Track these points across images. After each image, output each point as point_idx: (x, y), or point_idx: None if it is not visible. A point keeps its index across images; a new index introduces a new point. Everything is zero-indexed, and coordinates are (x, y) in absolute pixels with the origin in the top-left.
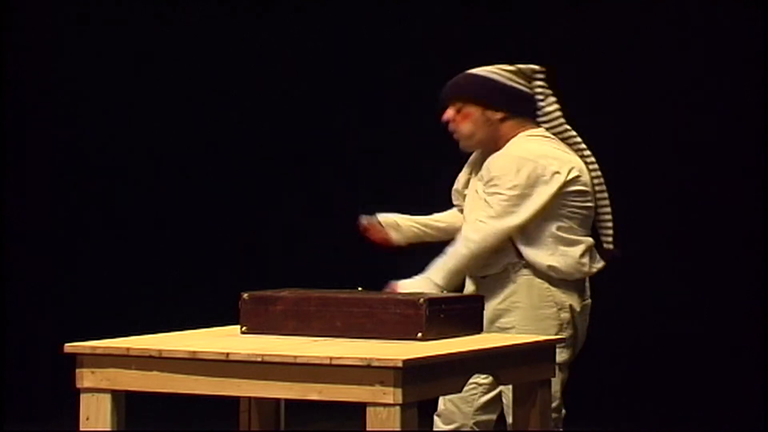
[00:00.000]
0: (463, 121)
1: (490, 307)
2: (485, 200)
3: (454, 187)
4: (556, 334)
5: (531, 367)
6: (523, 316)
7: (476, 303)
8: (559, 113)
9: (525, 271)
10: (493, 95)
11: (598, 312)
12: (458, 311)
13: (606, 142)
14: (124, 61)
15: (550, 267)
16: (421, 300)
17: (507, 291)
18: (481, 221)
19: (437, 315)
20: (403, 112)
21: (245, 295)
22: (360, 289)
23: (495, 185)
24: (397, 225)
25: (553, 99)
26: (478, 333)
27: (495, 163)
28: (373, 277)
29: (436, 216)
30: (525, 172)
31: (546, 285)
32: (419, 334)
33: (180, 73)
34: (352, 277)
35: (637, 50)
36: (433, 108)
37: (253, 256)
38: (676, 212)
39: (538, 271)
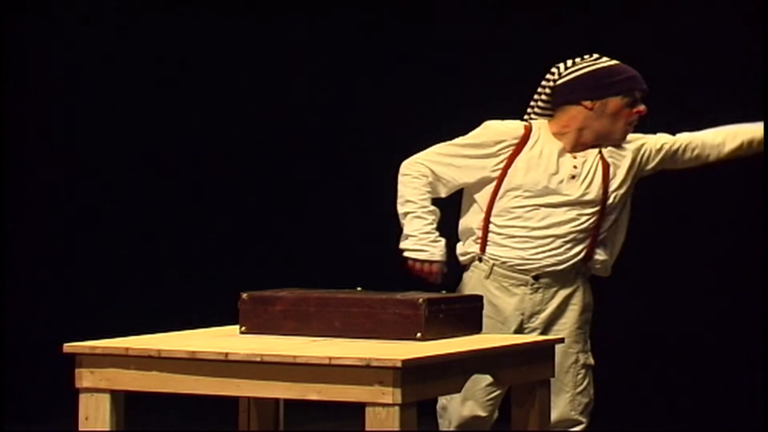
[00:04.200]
0: None
1: (548, 309)
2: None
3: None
4: (587, 339)
5: (530, 368)
6: (576, 319)
7: (475, 303)
8: None
9: (582, 273)
10: None
11: (598, 312)
12: (457, 311)
13: None
14: (123, 59)
15: (609, 267)
16: (420, 300)
17: (566, 292)
18: None
19: (436, 315)
20: (407, 111)
21: (244, 295)
22: (359, 289)
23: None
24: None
25: None
26: (478, 333)
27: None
28: (373, 277)
29: (435, 210)
30: None
31: (589, 288)
32: (418, 334)
33: (178, 71)
34: (352, 277)
35: (634, 50)
36: (435, 109)
37: (252, 256)
38: (675, 212)
39: (587, 273)
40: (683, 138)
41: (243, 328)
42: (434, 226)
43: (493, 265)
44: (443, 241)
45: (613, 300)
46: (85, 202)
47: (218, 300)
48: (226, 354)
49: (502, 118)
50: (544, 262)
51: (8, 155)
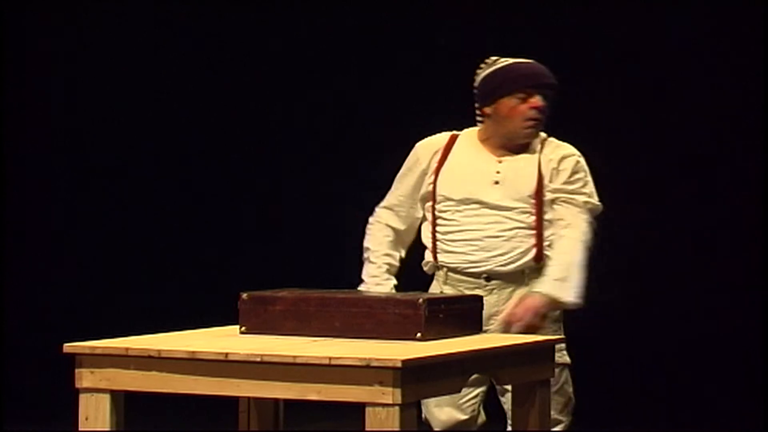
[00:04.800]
0: (544, 112)
1: (506, 310)
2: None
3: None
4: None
5: (530, 367)
6: None
7: (475, 303)
8: None
9: (536, 274)
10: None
11: (597, 313)
12: (457, 311)
13: (605, 142)
14: (123, 58)
15: None
16: (420, 300)
17: (523, 292)
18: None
19: (436, 315)
20: (408, 111)
21: (244, 295)
22: (360, 289)
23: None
24: None
25: None
26: (478, 333)
27: (579, 162)
28: None
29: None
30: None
31: None
32: (418, 334)
33: (178, 71)
34: (352, 277)
35: (632, 50)
36: (437, 109)
37: (252, 256)
38: (675, 212)
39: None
40: (558, 216)
41: (243, 328)
42: (383, 269)
43: (447, 271)
44: (390, 283)
45: (610, 301)
46: (85, 202)
47: (218, 300)
48: (226, 354)
49: None
50: (491, 263)
51: (8, 155)
